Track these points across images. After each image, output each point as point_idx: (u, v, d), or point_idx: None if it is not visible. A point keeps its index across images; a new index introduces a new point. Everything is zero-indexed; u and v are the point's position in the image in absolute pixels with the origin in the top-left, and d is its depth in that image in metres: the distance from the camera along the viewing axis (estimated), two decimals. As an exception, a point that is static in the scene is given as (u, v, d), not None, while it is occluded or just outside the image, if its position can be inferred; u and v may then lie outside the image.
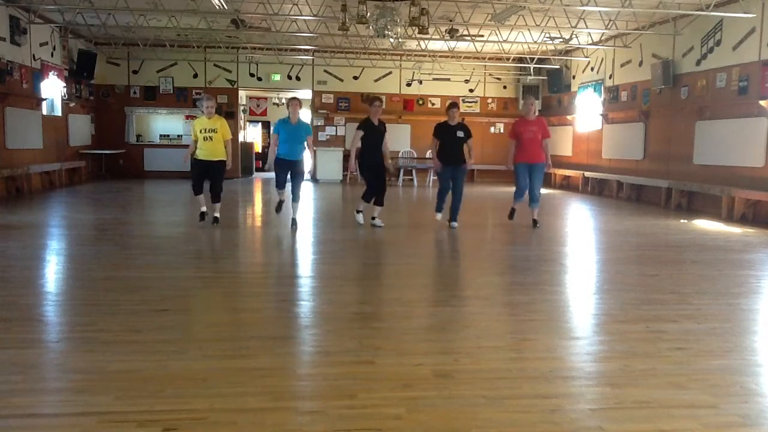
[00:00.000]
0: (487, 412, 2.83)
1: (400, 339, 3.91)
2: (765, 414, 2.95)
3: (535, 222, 8.93)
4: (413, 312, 4.64)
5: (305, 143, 8.37)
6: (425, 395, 2.99)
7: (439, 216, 8.92)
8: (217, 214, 8.54)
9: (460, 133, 8.61)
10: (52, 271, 6.01)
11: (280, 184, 8.47)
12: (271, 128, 22.57)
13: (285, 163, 8.31)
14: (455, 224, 8.73)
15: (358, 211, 8.74)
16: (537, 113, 9.20)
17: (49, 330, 4.10)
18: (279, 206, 8.70)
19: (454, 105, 8.86)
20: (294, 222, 8.46)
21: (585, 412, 2.87)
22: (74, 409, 2.81)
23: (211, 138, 8.25)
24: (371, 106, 8.43)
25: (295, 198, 8.45)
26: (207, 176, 8.40)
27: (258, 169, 20.00)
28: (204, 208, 8.46)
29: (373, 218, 8.62)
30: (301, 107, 8.53)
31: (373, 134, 8.34)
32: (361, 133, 8.36)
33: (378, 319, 4.40)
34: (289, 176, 8.41)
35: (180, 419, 2.69)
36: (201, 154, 8.31)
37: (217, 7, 11.56)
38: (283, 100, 22.07)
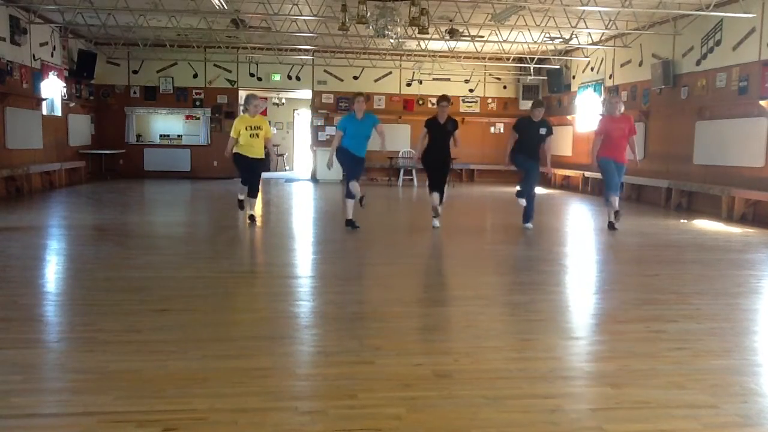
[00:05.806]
0: (487, 412, 2.83)
1: (400, 339, 3.91)
2: (765, 414, 2.95)
3: (613, 222, 8.62)
4: (413, 312, 4.64)
5: (374, 133, 8.36)
6: (425, 395, 2.99)
7: (530, 225, 8.63)
8: (252, 212, 8.98)
9: (543, 130, 8.54)
10: (52, 271, 6.01)
11: (352, 192, 8.26)
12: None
13: (351, 157, 8.29)
14: (530, 225, 8.63)
15: (435, 216, 8.56)
16: (622, 110, 8.81)
17: (49, 330, 4.10)
18: (351, 224, 8.34)
19: (540, 104, 8.74)
20: (352, 222, 8.34)
21: (585, 412, 2.87)
22: (74, 409, 2.81)
23: (257, 135, 8.56)
24: (438, 105, 8.48)
25: (355, 195, 8.41)
26: (250, 172, 8.66)
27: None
28: (251, 210, 8.91)
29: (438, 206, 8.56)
30: (366, 102, 8.49)
31: (436, 132, 8.35)
32: (425, 131, 8.42)
33: (378, 319, 4.39)
34: None
35: (180, 419, 2.69)
36: (247, 151, 8.56)
37: (217, 7, 11.56)
38: (284, 101, 22.05)
